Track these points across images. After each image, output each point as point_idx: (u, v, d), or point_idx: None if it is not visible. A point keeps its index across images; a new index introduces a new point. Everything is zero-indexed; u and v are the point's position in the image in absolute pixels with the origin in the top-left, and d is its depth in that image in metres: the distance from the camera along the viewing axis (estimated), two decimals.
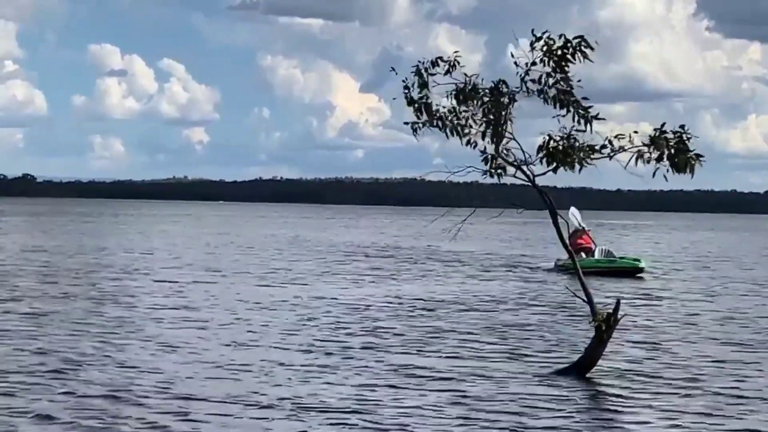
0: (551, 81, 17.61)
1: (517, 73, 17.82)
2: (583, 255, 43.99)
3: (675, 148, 17.38)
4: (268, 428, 14.17)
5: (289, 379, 17.73)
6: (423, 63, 18.23)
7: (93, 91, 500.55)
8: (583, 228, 46.32)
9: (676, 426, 14.79)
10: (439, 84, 18.25)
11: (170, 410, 14.99)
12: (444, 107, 18.24)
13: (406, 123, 18.45)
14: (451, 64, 18.18)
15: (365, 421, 14.59)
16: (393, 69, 18.59)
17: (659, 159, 17.48)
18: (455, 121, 18.15)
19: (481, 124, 18.16)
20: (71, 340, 21.75)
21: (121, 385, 16.80)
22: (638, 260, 44.16)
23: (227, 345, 21.58)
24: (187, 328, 24.02)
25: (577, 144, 17.73)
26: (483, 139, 18.17)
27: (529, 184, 18.44)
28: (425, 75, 18.21)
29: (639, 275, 42.82)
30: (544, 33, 17.57)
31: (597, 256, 44.59)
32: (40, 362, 18.77)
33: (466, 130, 18.18)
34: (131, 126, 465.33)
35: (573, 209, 46.82)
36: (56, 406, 15.17)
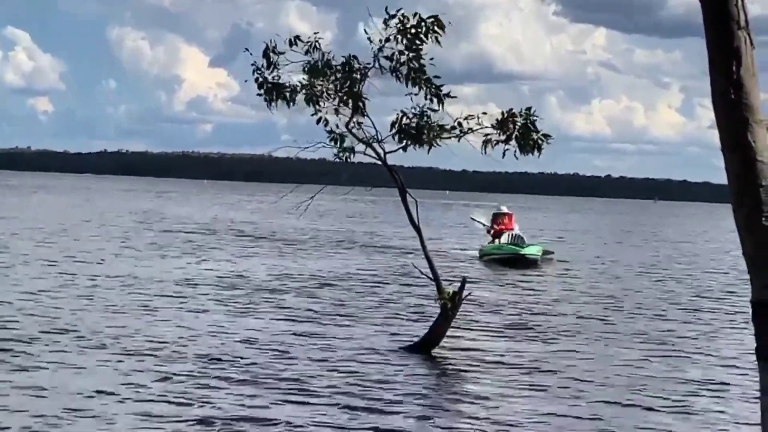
0: (403, 59, 17.65)
1: (371, 49, 17.85)
2: (497, 241, 42.61)
3: (522, 130, 17.57)
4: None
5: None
6: (271, 43, 18.13)
7: None
8: (505, 212, 44.03)
9: (512, 403, 14.99)
10: (292, 62, 18.18)
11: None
12: (298, 81, 18.17)
13: (260, 94, 18.31)
14: (312, 45, 18.09)
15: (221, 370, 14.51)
16: (247, 50, 18.48)
17: (507, 141, 17.66)
18: (309, 92, 18.08)
19: (334, 99, 18.14)
20: None
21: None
22: (519, 247, 41.43)
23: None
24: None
25: (428, 123, 17.83)
26: (337, 115, 18.16)
27: (380, 162, 18.49)
28: (275, 56, 18.11)
29: (527, 262, 40.37)
30: (398, 11, 17.61)
31: (504, 241, 42.30)
32: None
33: (321, 102, 18.15)
34: None
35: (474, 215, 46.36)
36: None
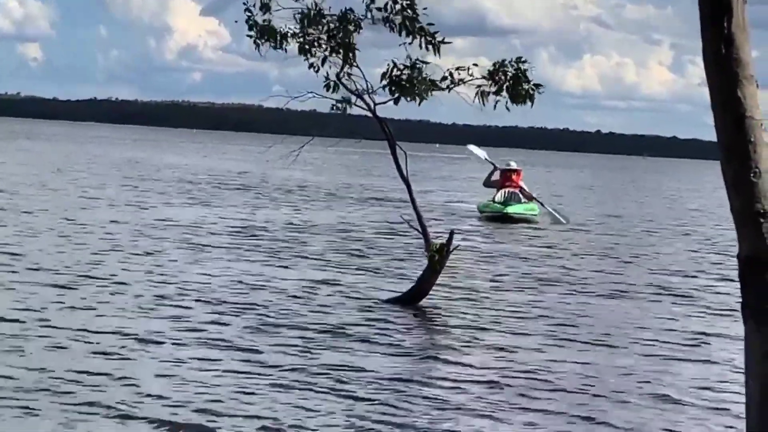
0: (397, 8, 17.55)
1: (363, 1, 17.76)
2: (496, 198, 41.17)
3: (513, 80, 17.52)
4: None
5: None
6: None
7: None
8: (513, 168, 41.84)
9: (497, 357, 15.05)
10: (283, 8, 18.09)
11: None
12: (290, 28, 18.08)
13: (249, 36, 18.18)
14: None
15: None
16: None
17: (498, 92, 17.62)
18: (301, 41, 17.99)
19: (326, 49, 18.07)
20: None
21: None
22: (504, 205, 40.16)
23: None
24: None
25: (420, 76, 17.75)
26: (323, 64, 18.10)
27: (370, 114, 18.47)
28: None
29: (511, 220, 39.46)
30: None
31: (497, 198, 40.96)
32: None
33: (313, 50, 18.06)
34: None
35: (470, 147, 43.86)
36: None
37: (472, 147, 43.22)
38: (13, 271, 20.01)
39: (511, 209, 40.00)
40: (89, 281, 19.38)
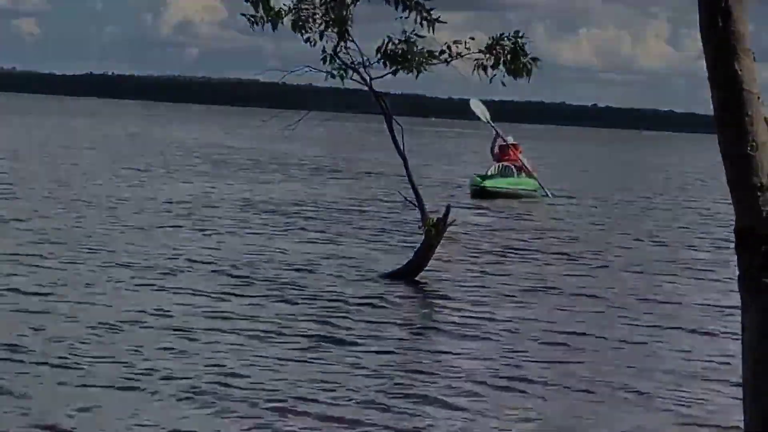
0: None
1: None
2: (488, 173, 40.13)
3: (511, 54, 17.49)
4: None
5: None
6: None
7: None
8: (510, 143, 40.64)
9: (495, 330, 15.07)
10: None
11: None
12: (284, 4, 18.05)
13: (243, 14, 18.16)
14: None
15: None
16: None
17: (495, 65, 17.60)
18: (296, 17, 17.94)
19: (322, 23, 18.02)
20: None
21: None
22: (482, 178, 38.96)
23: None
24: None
25: (415, 49, 17.73)
26: (321, 38, 18.07)
27: (366, 88, 18.45)
28: None
29: (488, 195, 38.03)
30: None
31: (489, 172, 39.89)
32: None
33: (309, 25, 18.01)
34: None
35: (474, 101, 41.47)
36: None
37: (474, 103, 41.78)
38: (24, 244, 20.10)
39: (489, 183, 38.73)
40: (97, 254, 19.44)
